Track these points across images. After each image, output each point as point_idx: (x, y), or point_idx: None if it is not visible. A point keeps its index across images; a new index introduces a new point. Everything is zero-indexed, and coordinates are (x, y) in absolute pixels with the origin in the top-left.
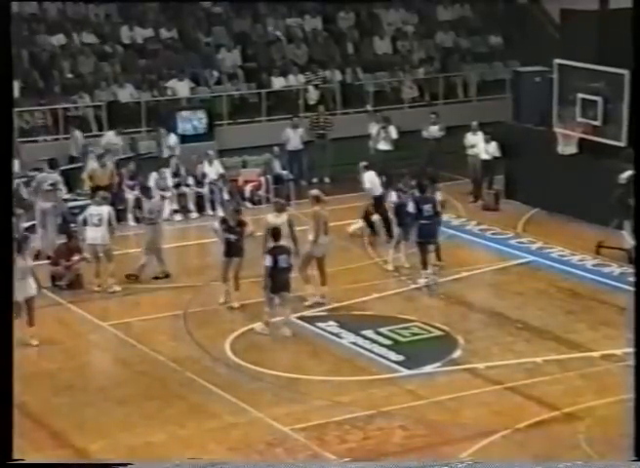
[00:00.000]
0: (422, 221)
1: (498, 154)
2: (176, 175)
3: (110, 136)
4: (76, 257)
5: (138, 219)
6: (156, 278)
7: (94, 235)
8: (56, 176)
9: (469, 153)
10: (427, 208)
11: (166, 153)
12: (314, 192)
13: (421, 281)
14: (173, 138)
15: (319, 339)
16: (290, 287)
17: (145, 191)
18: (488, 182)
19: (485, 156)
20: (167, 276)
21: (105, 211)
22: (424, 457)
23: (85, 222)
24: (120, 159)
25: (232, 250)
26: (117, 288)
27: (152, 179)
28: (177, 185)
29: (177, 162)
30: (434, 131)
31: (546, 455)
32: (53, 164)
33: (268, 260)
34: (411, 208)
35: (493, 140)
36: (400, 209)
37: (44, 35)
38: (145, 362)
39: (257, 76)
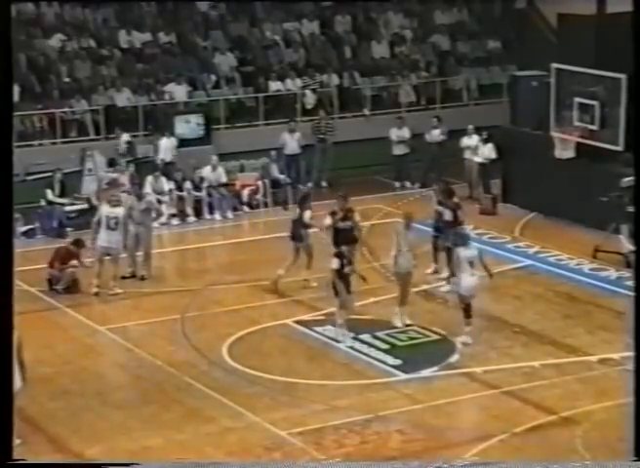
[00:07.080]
0: (459, 227)
1: (493, 156)
2: (179, 180)
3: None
4: (74, 262)
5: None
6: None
7: (109, 238)
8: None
9: (465, 157)
10: (460, 214)
11: (163, 157)
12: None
13: (448, 287)
14: (172, 143)
15: (316, 343)
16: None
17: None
18: (483, 186)
19: (479, 159)
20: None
21: (121, 213)
22: (422, 461)
23: (99, 223)
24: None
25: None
26: (119, 290)
27: (147, 183)
28: (176, 189)
29: (178, 167)
30: (436, 134)
31: (544, 459)
32: (112, 163)
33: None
34: (448, 216)
35: (488, 143)
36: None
37: (41, 39)
38: (143, 366)
39: (254, 80)
